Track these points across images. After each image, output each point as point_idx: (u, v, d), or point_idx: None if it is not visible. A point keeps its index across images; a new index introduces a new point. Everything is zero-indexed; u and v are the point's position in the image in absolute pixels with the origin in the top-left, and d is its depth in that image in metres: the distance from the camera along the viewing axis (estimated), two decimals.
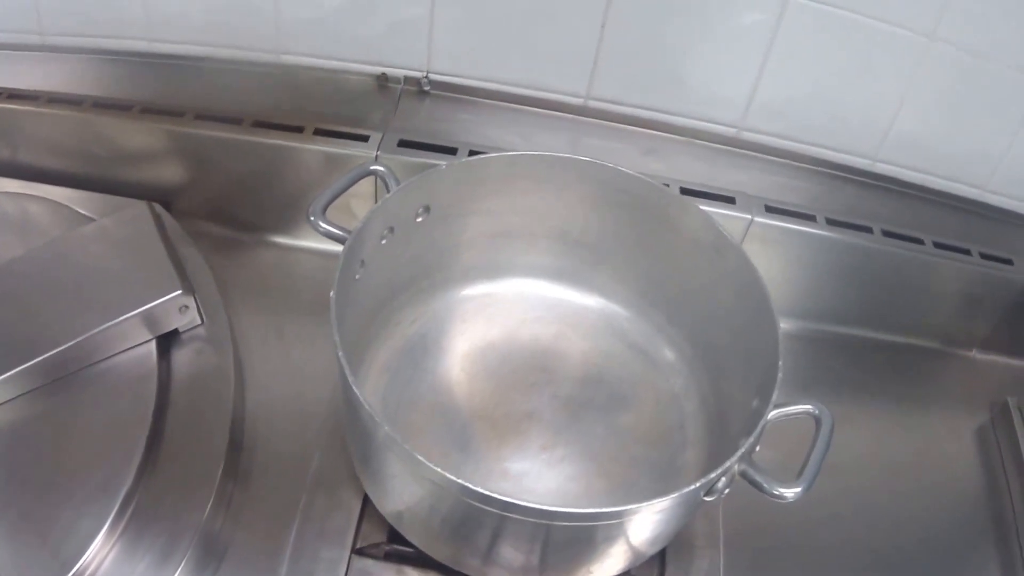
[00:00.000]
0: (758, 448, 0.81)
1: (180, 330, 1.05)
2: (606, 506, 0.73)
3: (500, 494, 0.72)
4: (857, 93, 1.18)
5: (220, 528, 0.93)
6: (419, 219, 1.01)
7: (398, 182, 0.96)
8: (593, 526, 0.78)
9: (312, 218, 0.91)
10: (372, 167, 0.98)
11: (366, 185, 1.13)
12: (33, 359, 0.94)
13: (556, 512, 0.74)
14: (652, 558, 0.93)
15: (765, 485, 0.77)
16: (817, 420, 0.82)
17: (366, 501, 0.96)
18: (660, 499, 0.74)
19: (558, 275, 1.14)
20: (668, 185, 1.14)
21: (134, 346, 1.01)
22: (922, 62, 1.13)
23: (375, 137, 1.17)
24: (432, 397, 1.04)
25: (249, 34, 1.23)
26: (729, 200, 1.16)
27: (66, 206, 1.15)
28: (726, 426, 0.98)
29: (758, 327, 0.90)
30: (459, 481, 0.72)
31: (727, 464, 0.76)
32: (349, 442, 0.96)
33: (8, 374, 0.93)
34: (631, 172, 1.00)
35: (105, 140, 1.18)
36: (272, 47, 1.24)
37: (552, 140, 1.22)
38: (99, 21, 1.23)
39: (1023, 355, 1.28)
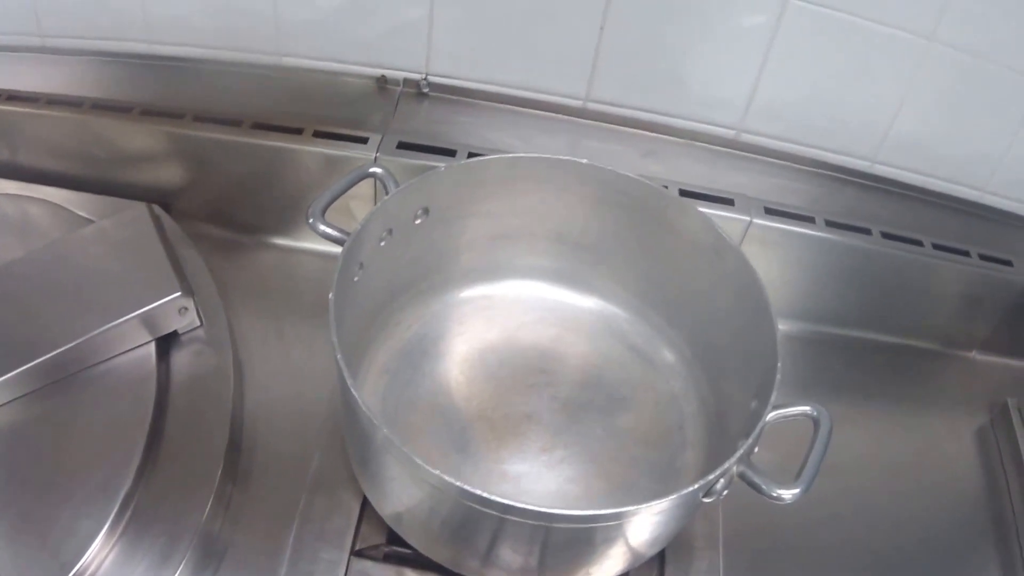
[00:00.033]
0: (757, 449, 0.81)
1: (179, 332, 1.05)
2: (605, 508, 0.73)
3: (499, 496, 0.72)
4: (856, 95, 1.18)
5: (219, 529, 0.93)
6: (418, 221, 1.01)
7: (397, 184, 0.96)
8: (592, 528, 0.78)
9: (311, 220, 0.91)
10: (371, 169, 0.98)
11: (365, 187, 1.13)
12: (33, 361, 0.94)
13: (555, 514, 0.74)
14: (651, 559, 0.93)
15: (763, 487, 0.77)
16: (815, 422, 0.83)
17: (365, 503, 0.96)
18: (658, 501, 0.74)
19: (557, 277, 1.15)
20: (667, 187, 1.14)
21: (133, 348, 1.01)
22: (921, 64, 1.13)
23: (374, 139, 1.17)
24: (431, 399, 1.04)
25: (248, 36, 1.23)
26: (728, 202, 1.16)
27: (65, 208, 1.15)
28: (725, 427, 0.98)
29: (757, 329, 0.90)
30: (457, 483, 0.72)
31: (725, 466, 0.76)
32: (348, 444, 0.96)
33: (8, 376, 0.93)
34: (630, 174, 1.01)
35: (105, 142, 1.18)
36: (272, 49, 1.24)
37: (551, 142, 1.22)
38: (98, 23, 1.23)
39: (1022, 356, 1.28)
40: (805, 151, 1.25)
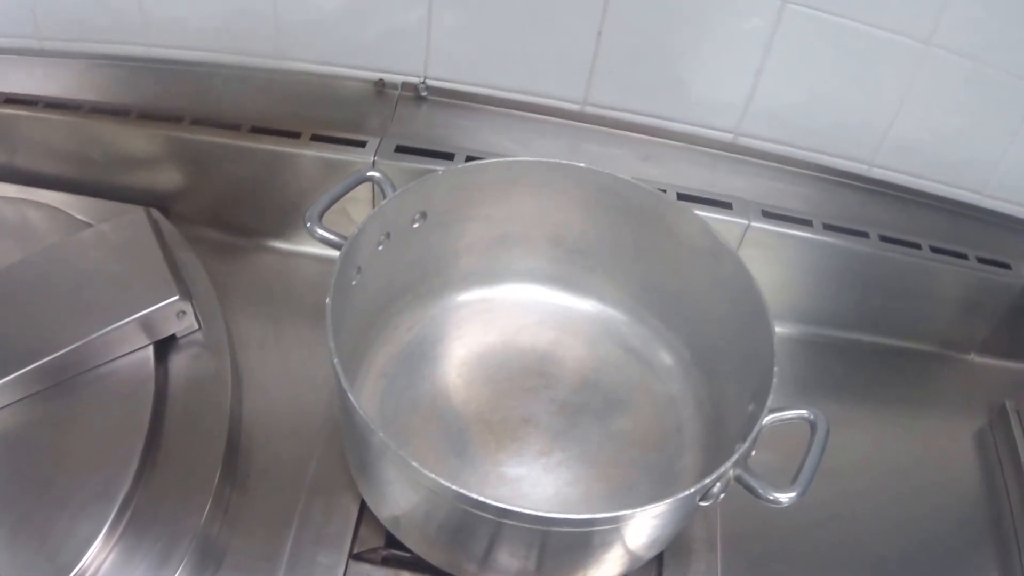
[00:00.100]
0: (754, 452, 0.81)
1: (177, 335, 1.05)
2: (603, 511, 0.74)
3: (496, 500, 0.72)
4: (854, 98, 1.18)
5: (218, 533, 0.93)
6: (416, 225, 1.01)
7: (395, 188, 0.96)
8: (589, 531, 0.78)
9: (309, 224, 0.91)
10: (369, 173, 0.98)
11: (364, 190, 1.13)
12: (31, 364, 0.94)
13: (552, 518, 0.74)
14: (650, 562, 0.94)
15: (760, 490, 0.77)
16: (812, 425, 0.83)
17: (363, 506, 0.96)
18: (654, 505, 0.74)
19: (555, 280, 1.15)
20: (665, 191, 1.14)
21: (132, 351, 1.01)
22: (919, 67, 1.13)
23: (372, 143, 1.17)
24: (429, 402, 1.04)
25: (247, 40, 1.23)
26: (726, 205, 1.16)
27: (64, 211, 1.15)
28: (724, 430, 0.98)
29: (754, 332, 0.90)
30: (455, 488, 0.72)
31: (722, 469, 0.77)
32: (346, 448, 0.96)
33: (6, 379, 0.93)
34: (627, 178, 1.01)
35: (103, 145, 1.18)
36: (270, 53, 1.24)
37: (549, 146, 1.22)
38: (97, 26, 1.23)
39: (1021, 359, 1.28)
40: (803, 154, 1.25)
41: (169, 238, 1.12)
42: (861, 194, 1.25)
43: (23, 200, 1.17)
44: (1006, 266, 1.20)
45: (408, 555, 0.93)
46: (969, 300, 1.22)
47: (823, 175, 1.26)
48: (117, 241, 1.08)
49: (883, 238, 1.18)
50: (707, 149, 1.25)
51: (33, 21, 1.23)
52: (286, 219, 1.22)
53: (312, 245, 1.17)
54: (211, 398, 1.01)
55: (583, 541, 0.80)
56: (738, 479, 0.79)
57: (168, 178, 1.20)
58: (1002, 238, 1.25)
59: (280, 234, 1.24)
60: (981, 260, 1.20)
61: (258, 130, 1.17)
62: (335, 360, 0.78)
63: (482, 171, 1.02)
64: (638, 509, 0.74)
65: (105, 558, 0.86)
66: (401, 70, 1.25)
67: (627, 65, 1.19)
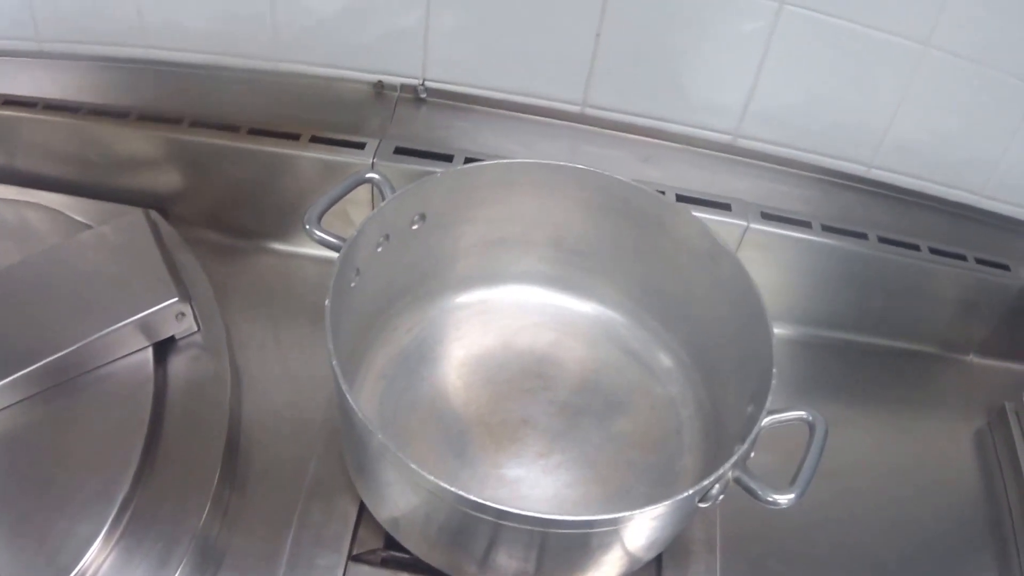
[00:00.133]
0: (753, 454, 0.81)
1: (177, 337, 1.05)
2: (602, 513, 0.74)
3: (495, 502, 0.72)
4: (853, 100, 1.18)
5: (217, 534, 0.93)
6: (415, 227, 1.01)
7: (393, 190, 0.97)
8: (588, 533, 0.78)
9: (308, 226, 0.91)
10: (368, 175, 0.98)
11: (363, 192, 1.13)
12: (30, 366, 0.94)
13: (551, 520, 0.74)
14: (649, 563, 0.94)
15: (759, 492, 0.77)
16: (811, 426, 0.83)
17: (363, 507, 0.96)
18: (653, 506, 0.74)
19: (554, 282, 1.15)
20: (664, 192, 1.14)
21: (131, 353, 1.01)
22: (917, 69, 1.13)
23: (371, 145, 1.17)
24: (428, 404, 1.04)
25: (245, 42, 1.23)
26: (725, 207, 1.16)
27: (63, 213, 1.15)
28: (723, 431, 0.99)
29: (753, 333, 0.90)
30: (453, 489, 0.72)
31: (721, 471, 0.77)
32: (345, 449, 0.96)
33: (5, 380, 0.93)
34: (626, 180, 1.01)
35: (102, 147, 1.18)
36: (269, 55, 1.24)
37: (549, 148, 1.22)
38: (96, 28, 1.23)
39: (1020, 360, 1.28)
40: (802, 156, 1.25)
41: (168, 240, 1.12)
42: (860, 195, 1.25)
43: (22, 202, 1.16)
44: (1005, 267, 1.20)
45: (407, 556, 0.93)
46: (968, 301, 1.22)
47: (822, 176, 1.26)
48: (116, 243, 1.08)
49: (882, 239, 1.18)
50: (706, 151, 1.25)
51: (32, 23, 1.23)
52: (285, 221, 1.22)
53: (311, 247, 1.17)
54: (210, 399, 1.01)
55: (582, 543, 0.80)
56: (737, 481, 0.79)
57: (167, 180, 1.20)
58: (1001, 239, 1.25)
59: (279, 236, 1.24)
60: (980, 261, 1.20)
61: (257, 132, 1.17)
62: (334, 362, 0.78)
63: (481, 173, 1.02)
64: (637, 511, 0.74)
65: (104, 559, 0.86)
66: (400, 72, 1.25)
67: (626, 67, 1.19)
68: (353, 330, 0.98)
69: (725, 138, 1.24)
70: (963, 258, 1.20)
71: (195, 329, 1.06)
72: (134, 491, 0.90)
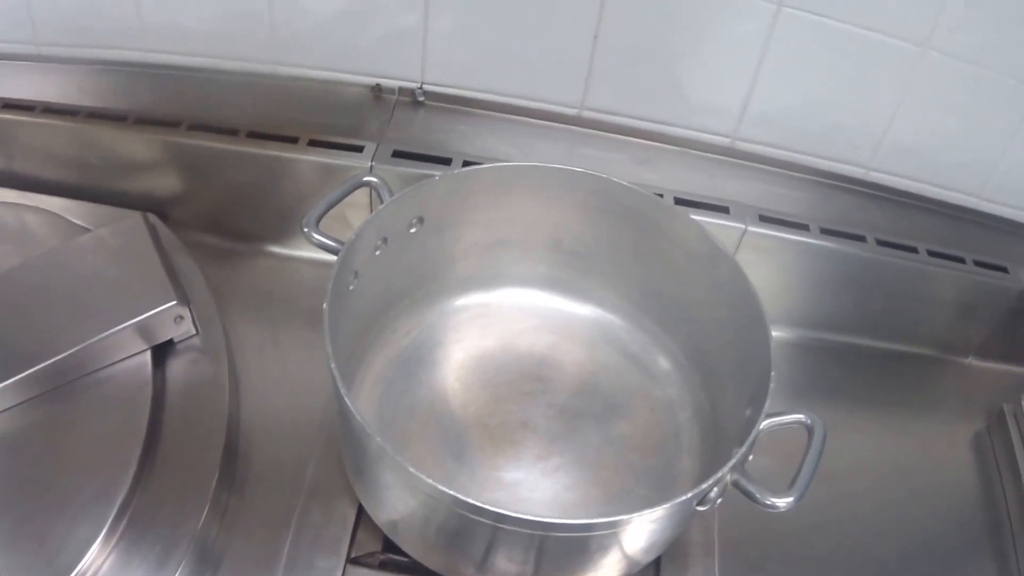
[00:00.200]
0: (751, 457, 0.81)
1: (175, 340, 1.05)
2: (601, 516, 0.74)
3: (494, 505, 0.72)
4: (851, 102, 1.18)
5: (216, 537, 0.93)
6: (413, 230, 1.01)
7: (391, 193, 0.97)
8: (587, 536, 0.78)
9: (306, 229, 0.91)
10: (366, 178, 0.99)
11: (361, 195, 1.13)
12: (29, 369, 0.94)
13: (549, 523, 0.74)
14: (647, 566, 0.94)
15: (757, 495, 0.77)
16: (809, 429, 0.83)
17: (361, 510, 0.96)
18: (651, 510, 0.74)
19: (553, 285, 1.15)
20: (662, 195, 1.14)
21: (129, 356, 1.01)
22: (916, 71, 1.13)
23: (370, 148, 1.17)
24: (427, 407, 1.04)
25: (244, 45, 1.23)
26: (723, 210, 1.16)
27: (62, 216, 1.15)
28: (721, 434, 0.99)
29: (751, 336, 0.90)
30: (451, 492, 0.72)
31: (719, 474, 0.77)
32: (343, 452, 0.96)
33: (5, 383, 0.93)
34: (624, 183, 1.01)
35: (101, 150, 1.18)
36: (267, 58, 1.24)
37: (547, 150, 1.22)
38: (94, 31, 1.23)
39: (1019, 362, 1.28)
40: (800, 158, 1.25)
41: (167, 243, 1.12)
42: (858, 198, 1.25)
43: (21, 205, 1.17)
44: (1003, 270, 1.20)
45: (406, 559, 0.93)
46: (966, 304, 1.22)
47: (820, 179, 1.26)
48: (115, 246, 1.08)
49: (880, 242, 1.18)
50: (704, 153, 1.26)
51: (31, 26, 1.23)
52: (283, 224, 1.22)
53: (309, 250, 1.17)
54: (209, 402, 1.01)
55: (581, 546, 0.80)
56: (735, 484, 0.79)
57: (166, 183, 1.20)
58: (1000, 242, 1.25)
59: (278, 239, 1.24)
60: (978, 264, 1.20)
61: (255, 135, 1.17)
62: (332, 365, 0.78)
63: (479, 176, 1.02)
64: (635, 514, 0.74)
65: (103, 561, 0.86)
66: (398, 75, 1.25)
67: (624, 69, 1.19)
68: (351, 333, 0.98)
69: (723, 141, 1.25)
70: (962, 261, 1.20)
71: (193, 332, 1.06)
72: (133, 493, 0.90)
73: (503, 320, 1.13)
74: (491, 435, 1.02)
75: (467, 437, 1.02)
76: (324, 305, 0.82)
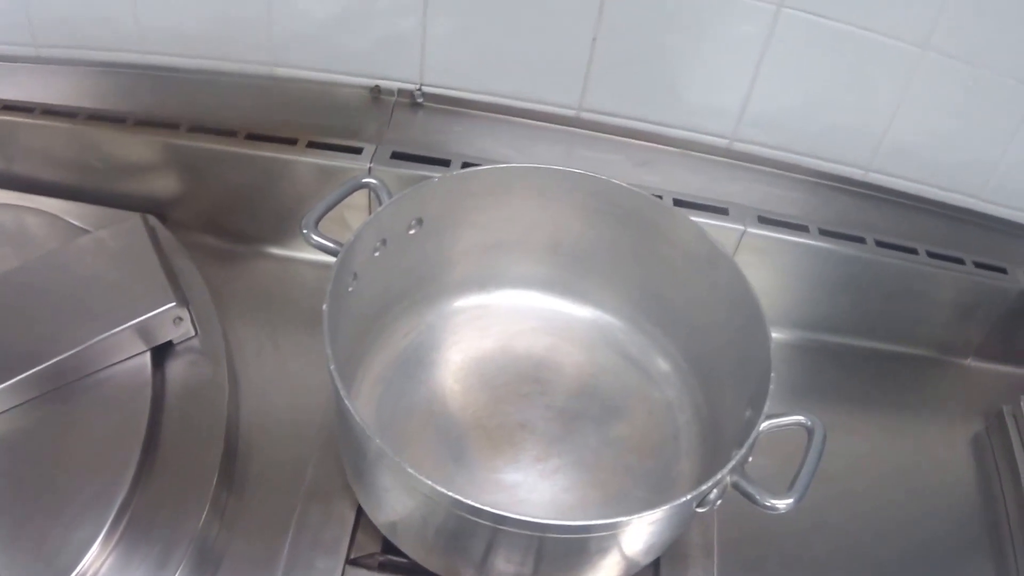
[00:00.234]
0: (751, 459, 0.81)
1: (175, 342, 1.05)
2: (599, 518, 0.74)
3: (492, 507, 0.72)
4: (850, 103, 1.18)
5: (215, 537, 0.93)
6: (412, 231, 1.01)
7: (391, 195, 0.97)
8: (586, 538, 0.78)
9: (305, 231, 0.91)
10: (365, 180, 0.98)
11: (360, 197, 1.13)
12: (28, 370, 0.94)
13: (548, 524, 0.74)
14: (646, 567, 0.93)
15: (757, 496, 0.77)
16: (809, 431, 0.83)
17: (360, 511, 0.96)
18: (651, 511, 0.74)
19: (551, 286, 1.15)
20: (661, 196, 1.14)
21: (129, 357, 1.01)
22: (915, 72, 1.13)
23: (368, 149, 1.17)
24: (426, 408, 1.04)
25: (243, 47, 1.23)
26: (722, 211, 1.17)
27: (61, 218, 1.16)
28: (720, 436, 0.99)
29: (751, 338, 0.90)
30: (451, 494, 0.72)
31: (718, 476, 0.77)
32: (343, 454, 0.96)
33: (4, 384, 0.93)
34: (623, 184, 1.01)
35: (100, 152, 1.18)
36: (266, 59, 1.24)
37: (545, 152, 1.22)
38: (93, 33, 1.23)
39: (1018, 363, 1.28)
40: (799, 160, 1.25)
41: (166, 245, 1.12)
42: (857, 199, 1.25)
43: (21, 207, 1.17)
44: (1002, 270, 1.21)
45: (405, 561, 0.93)
46: (966, 305, 1.22)
47: (819, 180, 1.26)
48: (114, 248, 1.08)
49: (879, 243, 1.18)
50: (703, 155, 1.26)
51: (29, 28, 1.23)
52: (283, 225, 1.22)
53: (309, 251, 1.17)
54: (208, 404, 1.01)
55: (580, 547, 0.80)
56: (735, 485, 0.79)
57: (165, 185, 1.20)
58: (999, 242, 1.25)
59: (277, 240, 1.24)
60: (978, 265, 1.20)
61: (254, 137, 1.17)
62: (332, 366, 0.78)
63: (478, 177, 1.02)
64: (635, 516, 0.74)
65: (103, 562, 0.86)
66: (397, 77, 1.25)
67: (623, 70, 1.19)
68: (351, 334, 0.98)
69: (722, 142, 1.25)
70: (961, 262, 1.20)
71: (193, 333, 1.06)
72: (132, 494, 0.90)
73: (502, 322, 1.13)
74: (490, 436, 1.02)
75: (466, 439, 1.02)
76: (323, 306, 0.82)
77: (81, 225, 1.15)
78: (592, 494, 0.98)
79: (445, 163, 1.17)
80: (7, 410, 0.95)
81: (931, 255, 1.19)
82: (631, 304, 1.12)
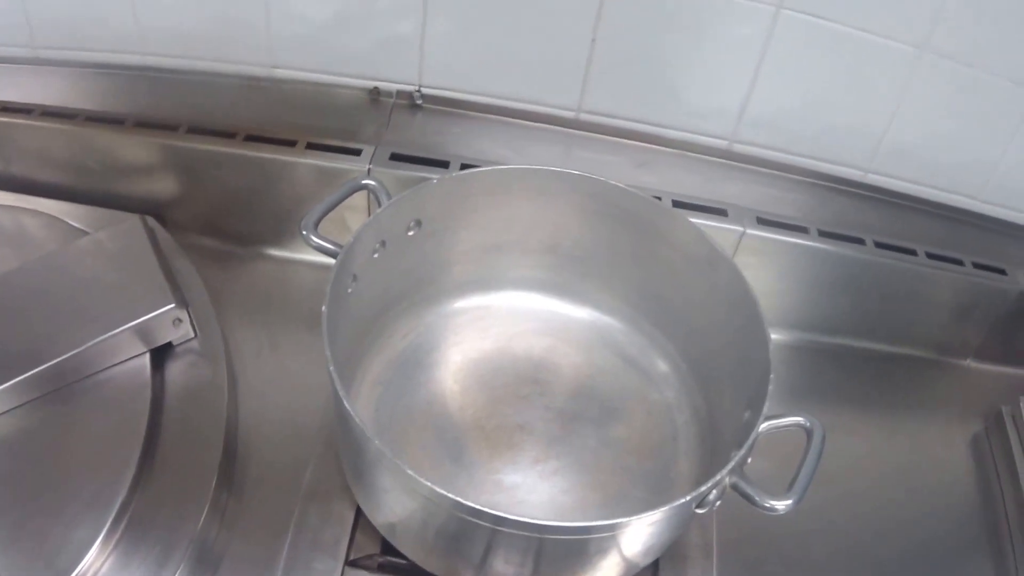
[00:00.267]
0: (750, 460, 0.81)
1: (174, 343, 1.05)
2: (598, 519, 0.74)
3: (491, 508, 0.72)
4: (849, 104, 1.18)
5: (215, 538, 0.93)
6: (411, 233, 1.01)
7: (390, 196, 0.97)
8: (585, 539, 0.78)
9: (304, 232, 0.91)
10: (364, 182, 0.98)
11: (360, 198, 1.13)
12: (27, 372, 0.94)
13: (547, 526, 0.74)
14: (646, 568, 0.93)
15: (756, 498, 0.77)
16: (808, 432, 0.83)
17: (359, 513, 0.96)
18: (650, 513, 0.74)
19: (551, 288, 1.15)
20: (660, 198, 1.14)
21: (128, 359, 1.01)
22: (914, 73, 1.13)
23: (367, 151, 1.17)
24: (425, 409, 1.04)
25: (241, 48, 1.23)
26: (721, 212, 1.17)
27: (60, 219, 1.15)
28: (719, 437, 0.99)
29: (750, 339, 0.90)
30: (450, 495, 0.72)
31: (717, 477, 0.77)
32: (342, 455, 0.96)
33: (3, 386, 0.93)
34: (622, 185, 1.01)
35: (99, 153, 1.18)
36: (264, 61, 1.24)
37: (544, 153, 1.22)
38: (92, 34, 1.23)
39: (1017, 364, 1.28)
40: (798, 161, 1.25)
41: (165, 246, 1.12)
42: (856, 200, 1.25)
43: (20, 208, 1.17)
44: (1001, 271, 1.21)
45: (404, 562, 0.93)
46: (965, 305, 1.22)
47: (818, 181, 1.26)
48: (113, 249, 1.08)
49: (879, 244, 1.18)
50: (702, 156, 1.26)
51: (28, 29, 1.23)
52: (282, 227, 1.22)
53: (308, 252, 1.17)
54: (207, 405, 1.01)
55: (579, 549, 0.80)
56: (734, 487, 0.79)
57: (164, 186, 1.20)
58: (998, 243, 1.25)
59: (276, 242, 1.24)
60: (977, 265, 1.20)
61: (253, 138, 1.17)
62: (331, 368, 0.78)
63: (477, 179, 1.02)
64: (634, 517, 0.74)
65: (103, 563, 0.86)
66: (396, 78, 1.25)
67: (621, 72, 1.19)
68: (350, 336, 0.98)
69: (721, 143, 1.25)
70: (960, 263, 1.20)
71: (192, 335, 1.06)
72: (132, 496, 0.90)
73: (501, 323, 1.13)
74: (489, 438, 1.02)
75: (465, 440, 1.02)
76: (323, 308, 0.82)
77: (80, 226, 1.15)
78: (591, 495, 0.98)
79: (444, 164, 1.17)
80: (7, 411, 0.95)
81: (930, 256, 1.19)
82: (630, 305, 1.12)
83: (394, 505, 0.86)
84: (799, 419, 0.84)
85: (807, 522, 1.00)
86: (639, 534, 0.81)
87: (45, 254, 1.08)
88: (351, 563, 0.93)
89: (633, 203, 1.02)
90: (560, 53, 1.18)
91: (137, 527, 0.89)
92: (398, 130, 1.22)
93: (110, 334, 0.98)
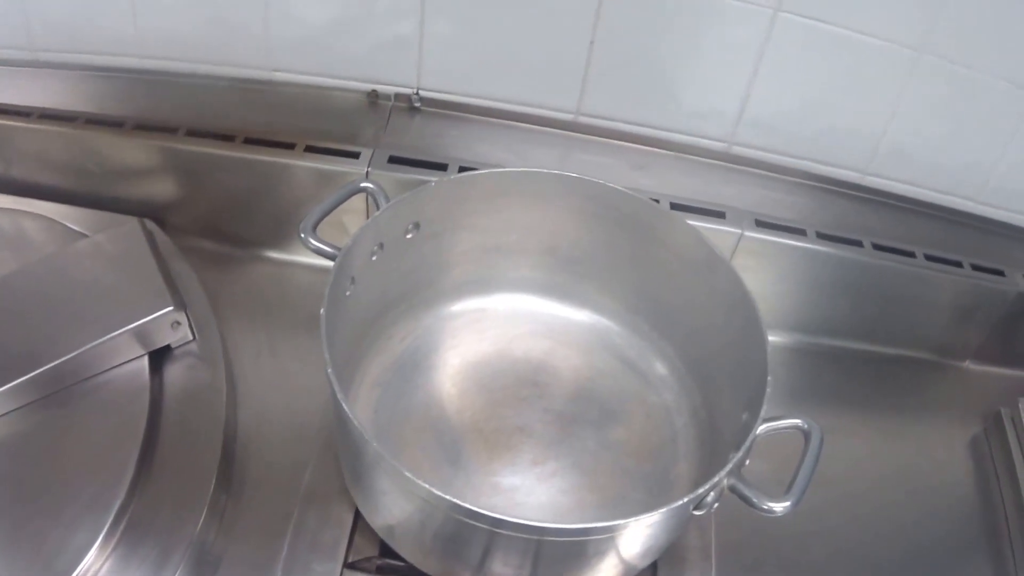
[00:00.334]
0: (748, 462, 0.81)
1: (172, 346, 1.05)
2: (597, 521, 0.74)
3: (490, 510, 0.72)
4: (847, 106, 1.18)
5: (213, 541, 0.93)
6: (409, 235, 1.01)
7: (388, 199, 0.97)
8: (583, 541, 0.78)
9: (303, 235, 0.91)
10: (362, 184, 0.98)
11: (358, 201, 1.13)
12: (26, 374, 0.94)
13: (546, 528, 0.74)
14: (644, 570, 0.93)
15: (754, 500, 0.77)
16: (806, 434, 0.83)
17: (358, 515, 0.96)
18: (648, 514, 0.74)
19: (549, 290, 1.15)
20: (658, 200, 1.14)
21: (127, 361, 1.01)
22: (912, 75, 1.13)
23: (366, 154, 1.17)
24: (423, 412, 1.04)
25: (240, 50, 1.23)
26: (719, 215, 1.17)
27: (59, 222, 1.16)
28: (718, 439, 0.98)
29: (748, 342, 0.90)
30: (448, 497, 0.72)
31: (715, 479, 0.77)
32: (340, 457, 0.97)
33: (2, 389, 0.93)
34: (620, 188, 1.01)
35: (98, 156, 1.18)
36: (263, 64, 1.24)
37: (542, 156, 1.22)
38: (91, 37, 1.23)
39: (1016, 366, 1.28)
40: (796, 163, 1.25)
41: (164, 249, 1.12)
42: (855, 202, 1.25)
43: (18, 211, 1.17)
44: (1000, 273, 1.21)
45: (402, 564, 0.93)
46: (964, 307, 1.22)
47: (817, 183, 1.26)
48: (112, 252, 1.08)
49: (877, 246, 1.18)
50: (700, 158, 1.26)
51: (27, 32, 1.23)
52: (280, 230, 1.22)
53: (306, 255, 1.17)
54: (206, 408, 1.01)
55: (577, 550, 0.80)
56: (732, 488, 0.79)
57: (163, 189, 1.20)
58: (996, 245, 1.25)
59: (274, 244, 1.24)
60: (975, 267, 1.20)
61: (252, 141, 1.17)
62: (329, 370, 0.78)
63: (475, 181, 1.02)
64: (632, 519, 0.74)
65: (101, 565, 0.86)
66: (394, 81, 1.25)
67: (619, 75, 1.19)
68: (348, 338, 0.98)
69: (719, 145, 1.25)
70: (958, 264, 1.20)
71: (191, 338, 1.06)
72: (130, 498, 0.90)
73: (499, 325, 1.13)
74: (487, 440, 1.02)
75: (463, 442, 1.02)
76: (321, 310, 0.82)
77: (79, 229, 1.15)
78: (590, 497, 0.98)
79: (442, 167, 1.17)
80: (6, 414, 0.95)
81: (929, 258, 1.19)
82: (628, 308, 1.12)
83: (392, 507, 0.86)
84: (797, 421, 0.83)
85: (806, 524, 1.00)
86: (637, 536, 0.81)
87: (44, 257, 1.08)
88: (349, 565, 0.93)
89: (631, 205, 1.02)
90: (558, 56, 1.18)
91: (136, 529, 0.89)
92: (396, 133, 1.22)
93: (109, 337, 0.98)
